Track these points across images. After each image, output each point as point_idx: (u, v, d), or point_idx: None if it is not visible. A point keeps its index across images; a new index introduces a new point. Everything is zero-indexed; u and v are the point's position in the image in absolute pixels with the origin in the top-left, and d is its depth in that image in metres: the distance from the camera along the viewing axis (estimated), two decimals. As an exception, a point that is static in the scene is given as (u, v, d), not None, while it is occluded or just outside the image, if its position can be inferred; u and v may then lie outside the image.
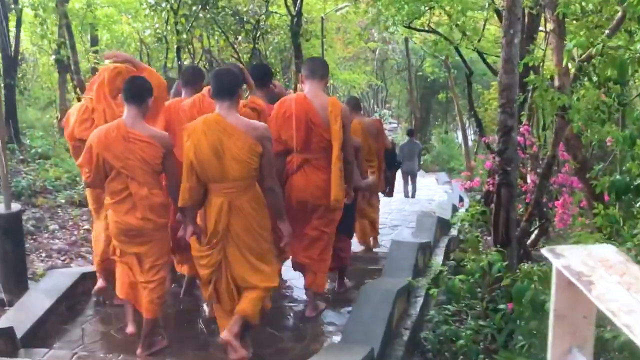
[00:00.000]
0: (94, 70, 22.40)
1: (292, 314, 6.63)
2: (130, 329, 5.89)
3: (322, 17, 25.64)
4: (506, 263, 6.33)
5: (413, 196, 19.20)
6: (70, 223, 10.66)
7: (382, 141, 9.62)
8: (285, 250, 6.04)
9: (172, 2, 17.31)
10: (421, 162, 21.77)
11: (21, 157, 14.04)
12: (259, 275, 5.42)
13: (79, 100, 18.24)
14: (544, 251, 1.57)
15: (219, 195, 5.29)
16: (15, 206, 7.40)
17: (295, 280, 7.55)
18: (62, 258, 9.20)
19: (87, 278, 7.16)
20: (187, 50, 20.12)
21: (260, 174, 5.36)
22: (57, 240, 9.77)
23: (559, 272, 1.53)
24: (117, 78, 6.45)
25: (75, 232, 10.29)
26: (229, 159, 5.20)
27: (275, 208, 5.58)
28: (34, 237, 9.76)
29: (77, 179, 12.87)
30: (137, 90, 5.68)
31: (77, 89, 16.36)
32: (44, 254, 9.17)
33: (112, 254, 6.00)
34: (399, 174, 18.67)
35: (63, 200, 11.61)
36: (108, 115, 6.28)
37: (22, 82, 21.82)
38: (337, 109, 6.15)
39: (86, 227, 10.46)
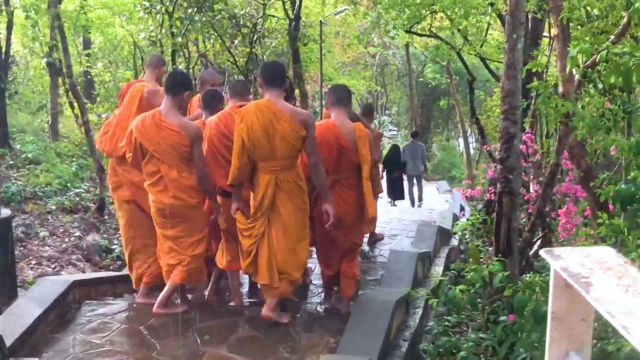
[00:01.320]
0: (86, 74, 22.42)
1: (288, 325, 6.64)
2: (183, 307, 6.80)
3: (320, 21, 25.70)
4: (508, 273, 6.36)
5: (420, 199, 19.37)
6: (61, 230, 10.67)
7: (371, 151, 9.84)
8: (329, 229, 6.62)
9: (167, 4, 17.32)
10: (426, 165, 21.89)
11: (11, 162, 14.06)
12: (295, 255, 6.36)
13: (70, 104, 18.29)
14: (542, 253, 1.60)
15: (267, 173, 6.21)
16: (5, 212, 7.42)
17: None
18: (53, 266, 9.21)
19: (77, 286, 7.17)
20: (182, 54, 20.15)
21: (306, 152, 6.27)
22: (47, 248, 9.78)
23: (557, 274, 1.55)
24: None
25: (66, 239, 10.29)
26: (277, 139, 6.11)
27: (319, 184, 6.43)
28: (24, 244, 9.76)
29: (68, 185, 12.88)
30: (174, 84, 6.59)
31: (69, 93, 16.37)
32: (33, 262, 9.18)
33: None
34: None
35: (54, 207, 11.62)
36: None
37: (12, 86, 21.84)
38: (364, 134, 6.89)
39: (77, 234, 10.47)
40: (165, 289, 6.69)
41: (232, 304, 7.19)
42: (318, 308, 7.66)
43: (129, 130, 6.57)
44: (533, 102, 10.26)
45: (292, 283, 6.52)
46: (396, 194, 18.48)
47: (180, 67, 20.09)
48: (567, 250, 1.57)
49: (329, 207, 6.43)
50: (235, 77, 22.71)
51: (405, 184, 19.02)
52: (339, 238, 6.96)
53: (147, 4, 17.63)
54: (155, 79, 7.70)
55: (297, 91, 20.84)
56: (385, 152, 19.64)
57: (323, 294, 7.78)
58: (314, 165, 6.30)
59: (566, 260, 1.49)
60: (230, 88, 7.49)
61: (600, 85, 8.01)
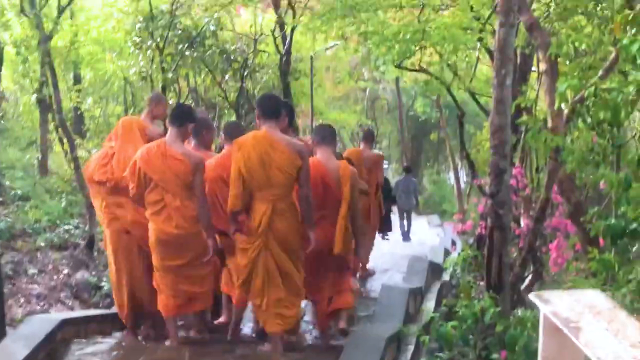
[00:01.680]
0: (76, 109, 22.40)
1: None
2: (173, 342, 6.87)
3: (311, 56, 25.82)
4: (499, 309, 6.34)
5: (408, 231, 19.39)
6: (50, 267, 10.60)
7: (374, 174, 10.49)
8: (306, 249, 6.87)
9: (158, 40, 17.38)
10: (418, 200, 21.99)
11: (0, 198, 14.00)
12: (289, 279, 6.61)
13: (60, 140, 18.26)
14: (532, 297, 1.59)
15: (263, 201, 6.48)
16: (-6, 249, 7.39)
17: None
18: (42, 303, 9.15)
19: (66, 324, 7.12)
20: (172, 89, 20.17)
21: (299, 182, 6.58)
22: (36, 285, 9.73)
23: (547, 318, 1.55)
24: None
25: (55, 277, 10.23)
26: (273, 169, 6.44)
27: (307, 214, 6.67)
28: (13, 281, 9.69)
29: (58, 221, 12.82)
30: (179, 115, 6.91)
31: (59, 129, 16.35)
32: (22, 299, 9.12)
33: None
34: (395, 213, 18.77)
35: (43, 244, 11.54)
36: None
37: (2, 122, 21.82)
38: (347, 173, 7.18)
39: (66, 271, 10.41)
40: (189, 318, 7.17)
41: (220, 320, 7.45)
42: (310, 343, 7.63)
43: (133, 161, 6.79)
44: (522, 136, 10.30)
45: (289, 319, 6.69)
46: (387, 227, 18.45)
47: (171, 102, 20.07)
48: (556, 294, 1.56)
49: (311, 233, 6.70)
50: (226, 111, 22.73)
51: (395, 217, 19.00)
52: (325, 264, 7.20)
53: (138, 40, 17.69)
54: (152, 117, 7.79)
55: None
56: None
57: (317, 331, 7.84)
58: (306, 196, 6.62)
59: (555, 305, 1.49)
60: (225, 131, 7.75)
61: (589, 120, 8.05)
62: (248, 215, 6.59)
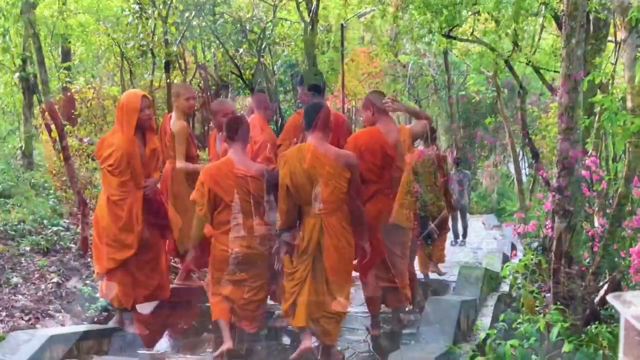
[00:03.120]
0: (65, 90, 22.52)
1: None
2: (228, 344, 7.59)
3: (341, 25, 25.75)
4: (568, 325, 6.32)
5: (464, 235, 19.50)
6: (37, 275, 10.66)
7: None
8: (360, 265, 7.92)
9: (161, 7, 17.36)
10: (470, 196, 22.04)
11: (-23, 195, 14.11)
12: (334, 297, 7.31)
13: (47, 127, 18.37)
14: (610, 298, 1.60)
15: (312, 216, 7.25)
16: (-29, 254, 7.48)
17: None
18: (26, 318, 9.22)
19: (56, 342, 7.19)
20: (177, 65, 20.17)
21: (349, 195, 7.27)
22: (20, 296, 9.79)
23: (628, 323, 1.55)
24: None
25: (43, 286, 10.31)
26: (321, 184, 7.12)
27: (359, 226, 7.44)
28: (-8, 292, 9.78)
29: (45, 222, 12.91)
30: (242, 130, 7.78)
31: (45, 114, 16.44)
32: (4, 313, 9.20)
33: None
34: None
35: (28, 248, 11.62)
36: None
37: (-22, 106, 21.99)
38: (406, 134, 8.23)
39: (55, 280, 10.49)
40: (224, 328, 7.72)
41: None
42: None
43: (199, 182, 7.70)
44: (597, 119, 10.23)
45: (329, 328, 7.42)
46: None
47: (175, 80, 20.08)
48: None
49: (366, 245, 7.55)
50: (241, 92, 22.75)
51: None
52: (379, 247, 7.99)
53: (137, 7, 17.69)
54: (182, 110, 9.25)
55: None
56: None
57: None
58: (357, 208, 7.38)
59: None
60: (254, 101, 9.07)
61: (678, 98, 7.98)
62: (298, 229, 7.41)
